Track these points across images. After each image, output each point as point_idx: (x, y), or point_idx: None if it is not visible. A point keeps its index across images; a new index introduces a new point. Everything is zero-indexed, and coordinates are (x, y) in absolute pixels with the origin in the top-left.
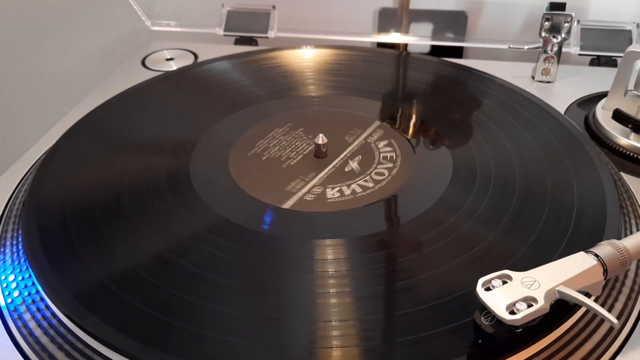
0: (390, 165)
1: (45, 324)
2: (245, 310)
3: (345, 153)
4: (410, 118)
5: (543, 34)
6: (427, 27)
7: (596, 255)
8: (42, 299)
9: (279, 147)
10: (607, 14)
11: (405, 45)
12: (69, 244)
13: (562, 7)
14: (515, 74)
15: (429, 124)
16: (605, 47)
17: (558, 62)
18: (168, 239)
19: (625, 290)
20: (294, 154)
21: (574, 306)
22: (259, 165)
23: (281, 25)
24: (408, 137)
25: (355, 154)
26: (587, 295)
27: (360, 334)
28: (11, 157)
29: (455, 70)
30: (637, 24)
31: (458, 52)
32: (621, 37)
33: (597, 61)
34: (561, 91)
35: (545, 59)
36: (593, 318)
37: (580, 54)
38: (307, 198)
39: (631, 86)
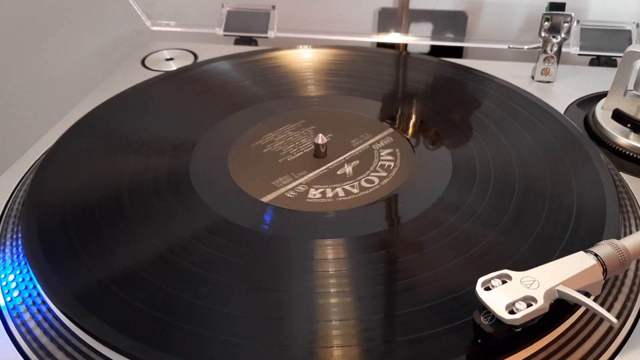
0: (383, 174)
1: (45, 324)
2: (245, 310)
3: (344, 156)
4: (409, 118)
5: (543, 34)
6: (427, 27)
7: (595, 255)
8: (42, 299)
9: (284, 142)
10: (607, 14)
11: (405, 45)
12: (68, 244)
13: (561, 7)
14: (514, 74)
15: (429, 124)
16: (605, 47)
17: (558, 62)
18: (168, 239)
19: (625, 290)
20: (294, 150)
21: (574, 306)
22: (257, 156)
23: (281, 25)
24: (407, 137)
25: (354, 158)
26: (587, 294)
27: (360, 334)
28: (11, 157)
29: (455, 70)
30: (637, 24)
31: (458, 52)
32: (621, 37)
33: (596, 61)
34: (561, 91)
35: (544, 59)
36: (592, 318)
37: (580, 54)
38: (288, 195)
39: (631, 86)
